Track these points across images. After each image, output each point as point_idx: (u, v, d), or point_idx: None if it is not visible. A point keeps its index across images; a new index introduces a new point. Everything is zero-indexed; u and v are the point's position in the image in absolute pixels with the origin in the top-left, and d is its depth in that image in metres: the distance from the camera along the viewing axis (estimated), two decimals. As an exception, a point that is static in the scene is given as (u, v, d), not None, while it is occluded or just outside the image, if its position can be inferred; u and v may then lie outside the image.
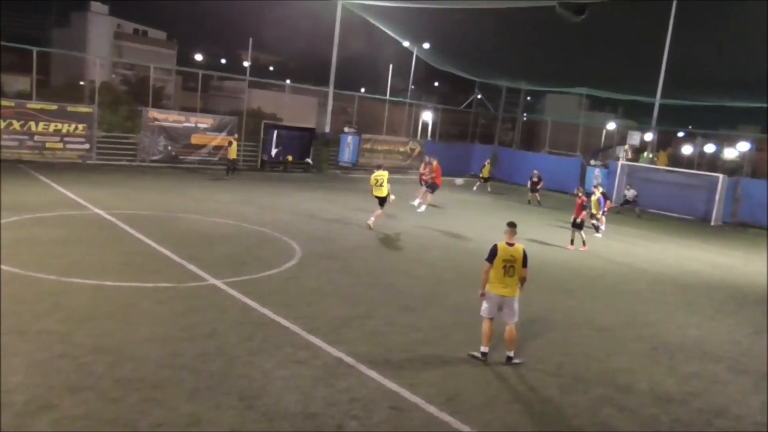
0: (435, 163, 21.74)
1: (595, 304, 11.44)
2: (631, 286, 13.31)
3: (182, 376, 6.54)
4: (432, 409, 6.42)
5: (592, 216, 19.21)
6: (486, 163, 30.71)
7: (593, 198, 19.06)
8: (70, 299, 8.56)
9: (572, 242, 16.75)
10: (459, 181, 28.38)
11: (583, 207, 16.76)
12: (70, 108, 23.13)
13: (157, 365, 6.73)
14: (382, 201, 16.75)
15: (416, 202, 20.75)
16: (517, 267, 7.82)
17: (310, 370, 7.02)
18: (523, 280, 7.94)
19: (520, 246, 7.95)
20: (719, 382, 8.19)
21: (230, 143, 24.19)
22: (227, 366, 6.90)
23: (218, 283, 9.99)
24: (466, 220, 20.08)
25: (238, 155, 24.90)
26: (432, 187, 21.10)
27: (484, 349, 7.88)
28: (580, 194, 17.40)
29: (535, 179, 26.77)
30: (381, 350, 7.91)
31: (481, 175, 30.21)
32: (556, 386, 7.44)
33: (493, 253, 7.81)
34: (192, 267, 10.74)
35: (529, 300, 11.08)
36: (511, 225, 8.05)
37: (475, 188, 29.48)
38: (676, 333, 10.15)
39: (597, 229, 19.40)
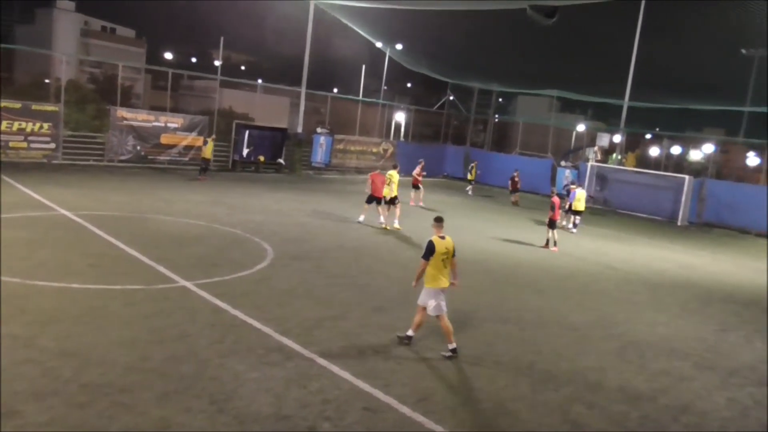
0: (371, 174, 17.67)
1: (566, 304, 11.58)
2: (601, 285, 13.51)
3: (152, 379, 6.43)
4: (405, 409, 6.42)
5: (578, 213, 19.95)
6: (472, 165, 30.89)
7: (579, 194, 19.99)
8: (36, 302, 8.35)
9: (547, 242, 16.98)
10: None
11: (551, 208, 17.03)
12: (34, 106, 22.57)
13: (126, 369, 6.60)
14: (390, 200, 17.13)
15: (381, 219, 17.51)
16: (449, 258, 8.13)
17: (282, 372, 6.97)
18: (455, 269, 8.27)
19: (449, 237, 8.27)
20: (686, 379, 8.36)
21: (206, 142, 23.91)
22: (198, 369, 6.81)
23: (189, 284, 9.85)
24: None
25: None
26: (369, 199, 17.47)
27: (452, 345, 7.98)
28: (555, 194, 17.73)
29: (516, 179, 27.03)
30: (354, 351, 7.89)
31: (469, 177, 30.42)
32: (528, 385, 7.51)
33: (431, 249, 8.04)
34: (162, 269, 10.57)
35: (501, 300, 11.21)
36: (438, 219, 8.39)
37: (469, 191, 29.66)
38: (645, 331, 10.33)
39: (575, 225, 19.98)
